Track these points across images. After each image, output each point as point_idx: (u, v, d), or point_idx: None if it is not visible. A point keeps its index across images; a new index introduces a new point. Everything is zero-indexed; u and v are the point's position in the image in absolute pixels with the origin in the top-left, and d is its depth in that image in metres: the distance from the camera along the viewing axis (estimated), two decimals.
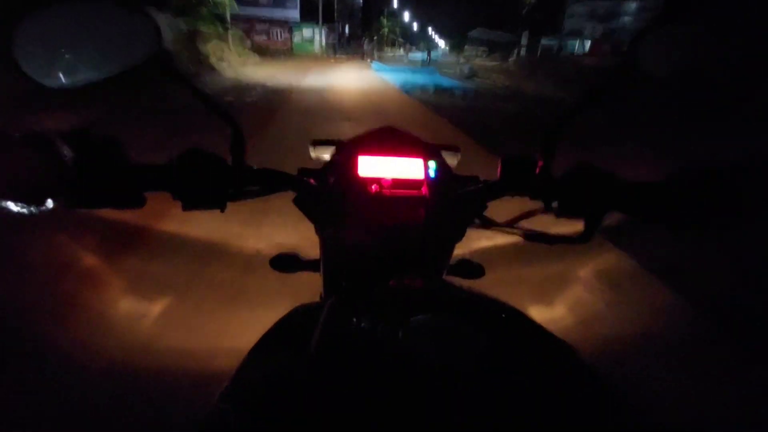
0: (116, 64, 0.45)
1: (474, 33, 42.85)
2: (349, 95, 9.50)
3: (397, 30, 55.32)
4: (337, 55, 30.44)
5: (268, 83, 10.74)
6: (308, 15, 28.99)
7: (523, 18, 32.21)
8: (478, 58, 37.68)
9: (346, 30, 32.63)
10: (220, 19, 18.22)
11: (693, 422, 1.21)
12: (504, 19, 39.97)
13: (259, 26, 30.71)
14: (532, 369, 0.33)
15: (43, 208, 0.38)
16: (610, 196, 0.51)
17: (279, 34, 30.48)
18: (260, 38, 31.13)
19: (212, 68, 12.04)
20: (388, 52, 47.28)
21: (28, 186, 0.36)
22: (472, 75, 17.66)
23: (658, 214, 0.51)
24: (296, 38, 30.21)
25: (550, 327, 0.38)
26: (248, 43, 30.20)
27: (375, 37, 28.69)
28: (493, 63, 26.16)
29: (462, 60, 28.85)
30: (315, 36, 29.65)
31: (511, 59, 25.23)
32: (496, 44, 38.17)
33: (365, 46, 26.41)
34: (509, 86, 14.03)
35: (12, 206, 0.36)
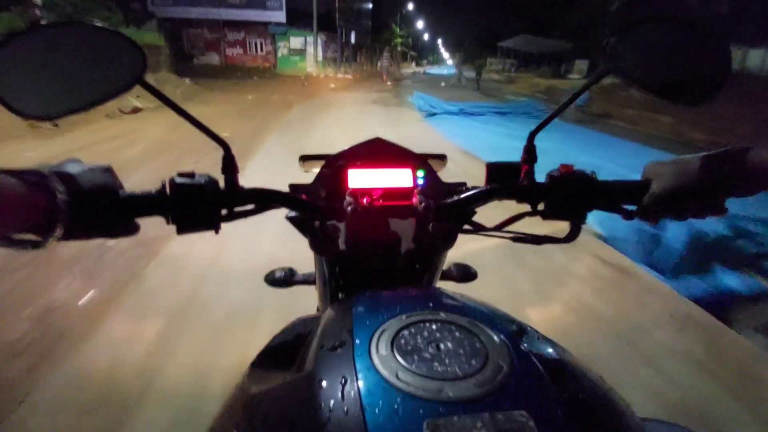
0: (99, 92, 0.44)
1: (508, 42, 34.21)
2: None
3: (409, 41, 47.01)
4: (340, 74, 21.65)
5: None
6: (298, 19, 20.28)
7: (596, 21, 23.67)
8: (504, 73, 29.88)
9: (352, 38, 24.15)
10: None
11: None
12: (552, 25, 31.38)
13: (231, 34, 22.00)
14: (532, 373, 0.33)
15: (41, 243, 0.37)
16: (592, 197, 0.53)
17: (258, 46, 21.76)
18: (234, 51, 22.44)
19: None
20: (404, 67, 38.75)
21: (23, 222, 0.36)
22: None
23: (637, 210, 0.53)
24: (281, 50, 21.41)
25: None
26: (215, 58, 21.94)
27: (393, 50, 19.62)
28: (552, 80, 17.65)
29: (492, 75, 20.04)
30: (308, 47, 20.86)
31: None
32: (541, 56, 29.62)
33: (384, 61, 17.80)
34: None
35: (9, 243, 0.36)
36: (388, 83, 16.64)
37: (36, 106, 0.42)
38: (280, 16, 20.02)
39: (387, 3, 35.93)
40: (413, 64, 54.54)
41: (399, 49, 17.12)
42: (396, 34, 38.88)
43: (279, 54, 21.43)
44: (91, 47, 0.43)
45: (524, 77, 26.81)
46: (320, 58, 20.91)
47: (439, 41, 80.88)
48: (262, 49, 21.77)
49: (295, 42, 20.75)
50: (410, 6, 43.47)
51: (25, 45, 0.41)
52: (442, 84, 17.78)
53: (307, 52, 20.77)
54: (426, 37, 63.70)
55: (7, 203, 0.33)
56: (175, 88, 9.41)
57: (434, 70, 44.18)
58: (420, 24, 51.73)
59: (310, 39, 20.47)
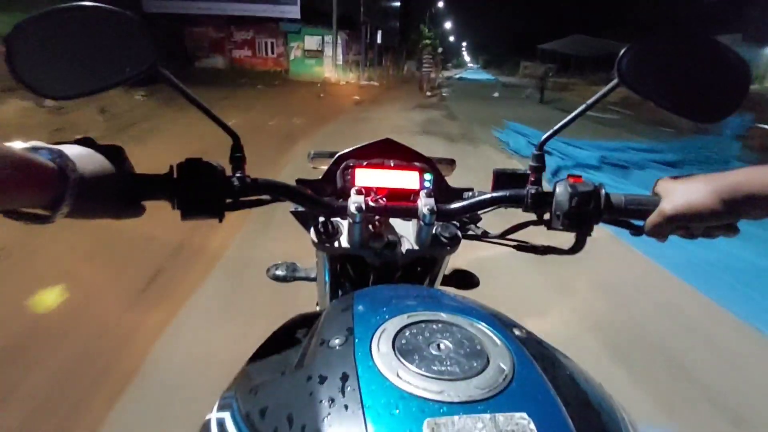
0: (114, 76, 0.44)
1: (553, 44, 30.19)
2: None
3: (437, 43, 43.45)
4: (364, 81, 18.16)
5: None
6: (315, 15, 16.88)
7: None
8: (550, 79, 25.88)
9: (378, 38, 20.63)
10: None
11: None
12: (606, 24, 27.33)
13: (238, 34, 18.75)
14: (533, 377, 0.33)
15: (49, 218, 0.38)
16: (598, 209, 0.52)
17: (269, 47, 18.42)
18: (241, 53, 19.19)
19: None
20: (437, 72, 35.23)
21: (33, 197, 0.37)
22: None
23: (645, 226, 0.52)
24: (294, 52, 18.00)
25: None
26: (219, 60, 18.71)
27: (435, 53, 15.79)
28: None
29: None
30: (325, 48, 17.40)
31: None
32: (583, 59, 25.58)
33: (425, 66, 13.48)
34: None
35: (21, 217, 0.37)
36: (428, 93, 13.00)
37: (52, 87, 0.43)
38: (293, 11, 16.61)
39: (415, 0, 32.18)
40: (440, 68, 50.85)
41: (430, 52, 13.27)
42: (424, 35, 35.37)
43: (291, 56, 18.01)
44: (106, 30, 0.43)
45: (577, 84, 22.89)
46: (340, 61, 17.42)
47: (464, 44, 76.85)
48: (273, 51, 18.43)
49: (311, 42, 17.29)
50: (440, 3, 39.70)
51: (41, 26, 0.42)
52: (495, 94, 14.04)
53: (324, 54, 17.31)
54: (451, 39, 59.92)
55: (18, 178, 0.33)
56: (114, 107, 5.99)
57: (467, 74, 40.36)
58: (447, 25, 48.03)
59: (328, 39, 16.98)
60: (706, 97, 0.48)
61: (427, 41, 39.22)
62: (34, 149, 0.37)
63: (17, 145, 0.36)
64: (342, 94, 12.28)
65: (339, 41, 17.09)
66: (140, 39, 0.44)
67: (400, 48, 27.91)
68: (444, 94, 13.50)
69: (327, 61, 17.29)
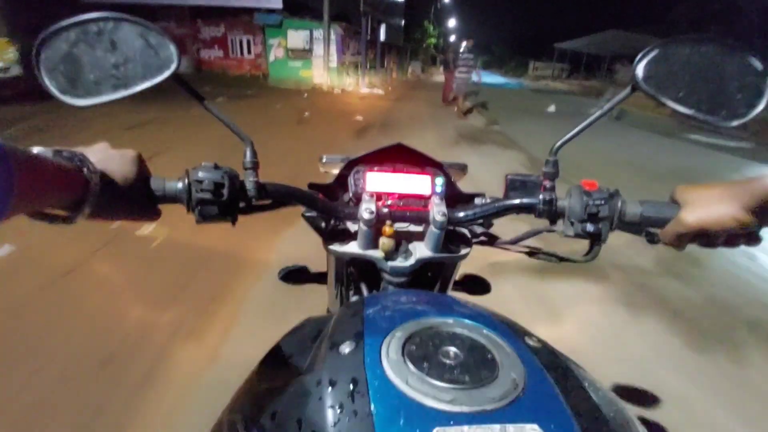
0: (136, 83, 0.46)
1: (571, 44, 26.55)
2: None
3: (441, 42, 39.70)
4: (365, 89, 14.32)
5: None
6: (301, 6, 13.07)
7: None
8: (559, 80, 22.51)
9: (381, 34, 16.70)
10: None
11: None
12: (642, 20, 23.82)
13: (206, 30, 14.87)
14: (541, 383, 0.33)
15: (71, 219, 0.39)
16: (614, 217, 0.51)
17: (245, 46, 14.63)
18: (211, 54, 15.33)
19: None
20: (440, 72, 31.38)
21: (57, 199, 0.38)
22: None
23: (662, 234, 0.50)
24: (275, 51, 14.12)
25: None
26: (183, 63, 14.78)
27: (474, 53, 11.67)
28: None
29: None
30: (315, 46, 13.50)
31: None
32: (599, 59, 22.04)
33: (460, 71, 8.47)
34: None
35: (44, 218, 0.38)
36: (454, 108, 9.15)
37: (76, 93, 0.45)
38: (273, 1, 12.83)
39: None
40: (441, 68, 47.24)
41: (471, 49, 9.12)
42: (429, 33, 31.56)
43: (271, 57, 14.14)
44: (129, 40, 0.45)
45: (604, 88, 19.31)
46: (334, 62, 13.57)
47: (464, 44, 73.25)
48: (249, 51, 14.63)
49: (296, 38, 13.41)
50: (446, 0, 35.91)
51: (67, 35, 0.43)
52: (550, 109, 10.26)
53: (313, 53, 13.45)
54: (452, 39, 56.27)
55: (45, 180, 0.34)
56: None
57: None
58: (449, 23, 44.24)
59: (318, 34, 13.14)
60: (722, 100, 0.46)
61: (432, 40, 35.44)
62: (58, 153, 0.38)
63: (42, 149, 0.37)
64: (337, 111, 8.43)
65: (333, 37, 13.25)
66: (163, 48, 0.46)
67: (404, 47, 24.08)
68: (481, 111, 9.66)
69: (317, 63, 13.42)
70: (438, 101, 11.15)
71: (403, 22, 22.23)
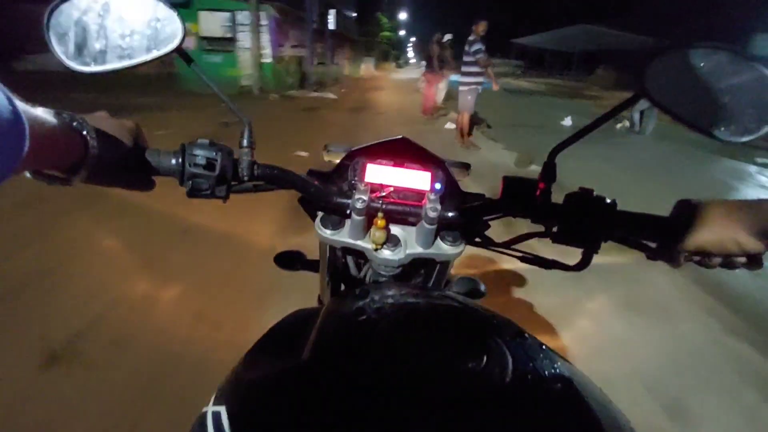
0: (141, 54, 0.47)
1: (531, 40, 24.72)
2: None
3: (394, 36, 36.75)
4: (313, 92, 10.90)
5: None
6: None
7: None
8: (518, 78, 21.21)
9: (330, 22, 13.13)
10: None
11: None
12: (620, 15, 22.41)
13: None
14: (534, 379, 0.33)
15: (68, 181, 0.40)
16: (609, 226, 0.50)
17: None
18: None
19: None
20: (394, 69, 28.22)
21: (55, 161, 0.38)
22: None
23: (659, 248, 0.50)
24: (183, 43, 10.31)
25: None
26: None
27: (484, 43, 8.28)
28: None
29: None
30: (239, 34, 9.87)
31: None
32: (553, 55, 20.42)
33: (466, 62, 5.00)
34: None
35: (43, 178, 0.39)
36: (442, 122, 6.20)
37: (84, 61, 0.45)
38: None
39: None
40: (393, 65, 44.58)
41: (482, 39, 6.11)
42: (384, 26, 28.41)
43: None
44: (136, 11, 0.46)
45: (581, 86, 17.48)
46: (268, 56, 10.06)
47: (412, 39, 71.06)
48: None
49: (211, 23, 9.68)
50: None
51: (78, 4, 0.44)
52: (565, 122, 7.56)
53: (238, 44, 9.83)
54: (402, 33, 53.65)
55: (46, 140, 0.35)
56: None
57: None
58: (402, 16, 41.34)
59: (244, 17, 9.59)
60: (729, 113, 0.44)
61: (387, 33, 32.30)
62: (61, 115, 0.38)
63: (47, 110, 0.37)
64: (266, 136, 5.08)
65: (265, 22, 9.76)
66: (169, 21, 0.47)
67: (357, 41, 20.71)
68: (484, 131, 6.69)
69: (244, 57, 9.86)
70: (413, 111, 8.13)
71: (354, 14, 18.83)
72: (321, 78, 13.47)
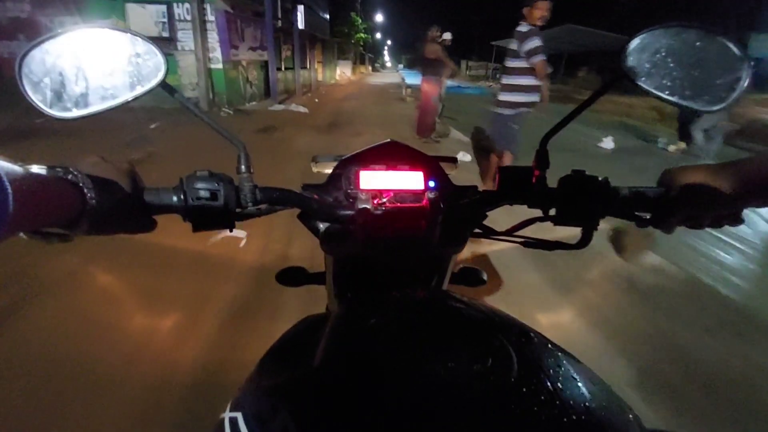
0: (122, 94, 0.45)
1: (509, 41, 23.46)
2: None
3: (369, 39, 34.96)
4: (277, 104, 8.95)
5: None
6: None
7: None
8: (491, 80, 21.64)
9: (298, 20, 11.15)
10: None
11: None
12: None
13: (1, 10, 8.42)
14: (537, 379, 0.33)
15: (68, 237, 0.39)
16: (605, 203, 0.52)
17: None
18: (9, 48, 8.88)
19: None
20: (371, 72, 26.43)
21: (54, 218, 0.37)
22: None
23: (651, 218, 0.52)
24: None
25: None
26: None
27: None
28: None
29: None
30: (178, 33, 7.87)
31: None
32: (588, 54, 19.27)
33: (511, 66, 3.16)
34: None
35: (39, 237, 0.38)
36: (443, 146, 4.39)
37: (65, 107, 0.44)
38: None
39: None
40: (370, 68, 42.85)
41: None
42: (358, 26, 26.52)
43: None
44: (114, 50, 0.45)
45: (579, 92, 16.22)
46: (218, 61, 8.03)
47: (389, 42, 69.74)
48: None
49: (142, 18, 7.57)
50: None
51: (51, 48, 0.42)
52: (605, 144, 5.91)
53: (179, 44, 7.78)
54: (378, 36, 52.03)
55: (41, 199, 0.34)
56: None
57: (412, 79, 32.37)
58: (377, 17, 39.65)
59: (183, 11, 7.56)
60: (704, 85, 0.47)
61: (362, 35, 30.48)
62: (53, 170, 0.37)
63: (37, 167, 0.36)
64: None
65: (212, 17, 7.75)
66: (150, 56, 0.45)
67: (330, 42, 18.70)
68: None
69: (187, 62, 7.80)
70: (403, 129, 6.40)
71: (327, 14, 16.84)
72: (288, 86, 11.49)
